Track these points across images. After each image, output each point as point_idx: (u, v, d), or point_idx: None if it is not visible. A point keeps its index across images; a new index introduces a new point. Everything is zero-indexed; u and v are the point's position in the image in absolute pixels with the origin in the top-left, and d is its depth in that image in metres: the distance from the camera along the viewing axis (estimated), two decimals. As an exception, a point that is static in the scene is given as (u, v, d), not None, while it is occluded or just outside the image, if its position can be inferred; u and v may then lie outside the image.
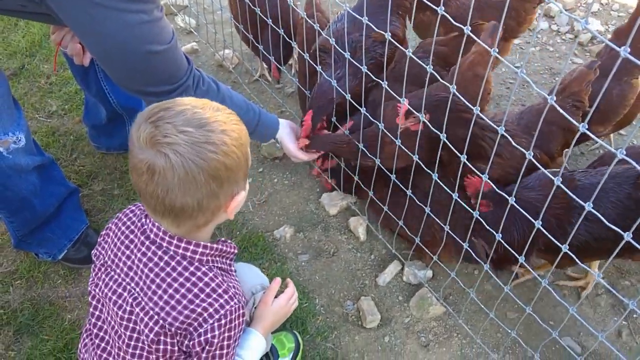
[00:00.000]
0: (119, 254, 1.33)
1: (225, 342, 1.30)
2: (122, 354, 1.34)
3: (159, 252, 1.28)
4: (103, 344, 1.39)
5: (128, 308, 1.29)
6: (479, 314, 2.14)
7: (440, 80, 1.51)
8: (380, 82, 1.75)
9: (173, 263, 1.27)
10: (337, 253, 2.36)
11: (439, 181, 1.77)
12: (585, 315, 2.14)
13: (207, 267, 1.30)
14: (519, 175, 1.41)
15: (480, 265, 1.88)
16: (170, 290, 1.26)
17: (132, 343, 1.30)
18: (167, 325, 1.25)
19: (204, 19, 3.26)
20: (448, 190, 1.73)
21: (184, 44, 3.38)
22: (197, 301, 1.26)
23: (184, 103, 1.20)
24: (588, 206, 1.17)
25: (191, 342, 1.27)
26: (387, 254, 2.35)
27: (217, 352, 1.29)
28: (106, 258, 1.36)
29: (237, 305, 1.29)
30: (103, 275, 1.35)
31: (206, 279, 1.28)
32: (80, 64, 2.06)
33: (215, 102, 1.24)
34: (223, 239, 1.40)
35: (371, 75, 1.82)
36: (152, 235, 1.29)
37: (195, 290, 1.26)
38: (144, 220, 1.32)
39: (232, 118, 1.24)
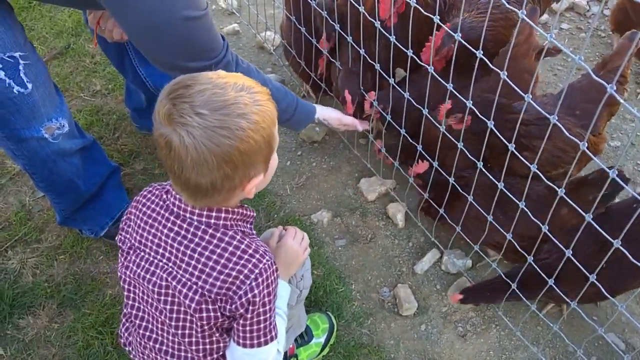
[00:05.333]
0: (145, 234, 1.34)
1: (266, 299, 1.30)
2: (165, 327, 1.37)
3: (185, 225, 1.29)
4: (144, 323, 1.41)
5: (163, 283, 1.31)
6: (518, 306, 2.09)
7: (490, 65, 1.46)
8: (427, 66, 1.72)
9: (200, 233, 1.28)
10: (374, 239, 2.34)
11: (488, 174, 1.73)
12: (631, 311, 2.07)
13: (232, 231, 1.30)
14: (567, 156, 1.38)
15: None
16: (203, 259, 1.27)
17: (174, 315, 1.32)
18: (206, 293, 1.27)
19: (246, 0, 3.25)
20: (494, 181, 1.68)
21: (225, 25, 3.38)
22: (231, 265, 1.27)
23: (206, 81, 1.16)
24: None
25: (234, 306, 1.27)
26: (425, 241, 2.32)
27: (261, 309, 1.30)
28: (133, 241, 1.37)
29: (269, 262, 1.30)
30: (133, 257, 1.37)
31: (235, 242, 1.28)
32: (119, 39, 2.05)
33: (242, 81, 1.20)
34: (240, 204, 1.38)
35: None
36: (175, 209, 1.30)
37: (227, 254, 1.27)
38: (165, 196, 1.34)
39: (258, 98, 1.19)
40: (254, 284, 1.26)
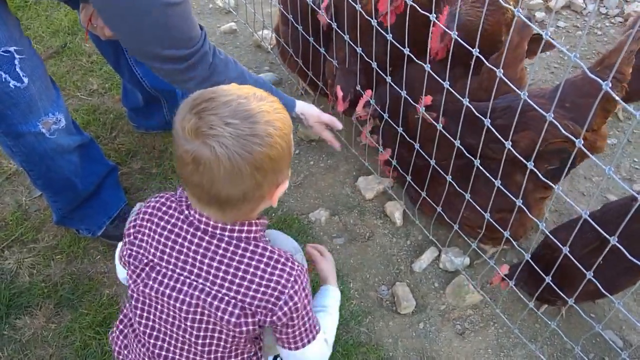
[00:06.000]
0: (167, 249, 1.31)
1: (305, 300, 1.33)
2: (186, 347, 1.36)
3: (214, 241, 1.28)
4: (159, 343, 1.38)
5: (194, 301, 1.29)
6: (516, 303, 2.09)
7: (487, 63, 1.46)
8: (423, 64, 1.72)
9: (232, 247, 1.28)
10: (372, 237, 2.34)
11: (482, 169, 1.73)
12: (628, 308, 2.08)
13: (262, 243, 1.32)
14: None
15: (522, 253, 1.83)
16: (240, 273, 1.27)
17: (202, 334, 1.32)
18: (247, 306, 1.28)
19: (243, -1, 3.25)
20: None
21: (222, 23, 3.37)
22: (267, 275, 1.28)
23: (228, 93, 1.19)
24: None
25: (275, 317, 1.29)
26: (423, 239, 2.32)
27: (303, 312, 1.34)
28: (150, 256, 1.33)
29: (299, 266, 1.32)
30: (153, 275, 1.32)
31: (267, 253, 1.30)
32: (110, 36, 2.03)
33: (258, 91, 1.23)
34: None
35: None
36: (201, 226, 1.28)
37: (262, 265, 1.29)
38: (187, 212, 1.30)
39: (276, 107, 1.23)
40: (292, 292, 1.29)
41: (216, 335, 1.33)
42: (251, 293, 1.27)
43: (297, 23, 2.41)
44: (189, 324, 1.32)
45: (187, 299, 1.29)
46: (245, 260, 1.28)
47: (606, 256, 1.47)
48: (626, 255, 1.36)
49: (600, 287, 1.51)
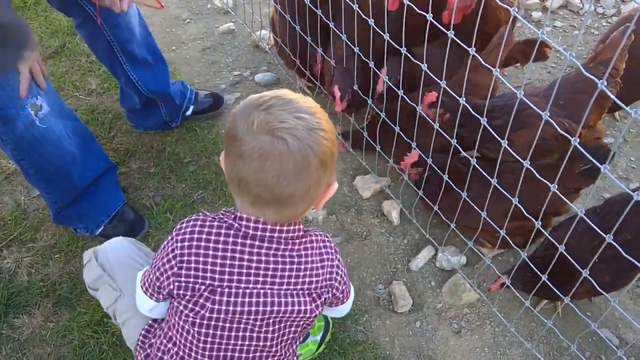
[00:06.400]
0: (227, 269, 1.29)
1: (342, 262, 1.46)
2: (265, 349, 1.41)
3: (273, 245, 1.30)
4: (229, 354, 1.39)
5: (267, 308, 1.32)
6: (513, 302, 2.10)
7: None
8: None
9: (289, 247, 1.31)
10: (369, 236, 2.34)
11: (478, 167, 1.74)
12: (624, 306, 2.08)
13: (305, 234, 1.38)
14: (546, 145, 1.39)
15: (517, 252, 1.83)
16: (302, 266, 1.33)
17: (278, 334, 1.38)
18: (313, 292, 1.36)
19: (241, -1, 3.26)
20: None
21: (220, 24, 3.38)
22: (320, 258, 1.37)
23: (289, 93, 1.24)
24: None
25: (334, 289, 1.40)
26: (420, 238, 2.33)
27: (344, 271, 1.46)
28: (208, 281, 1.29)
29: (327, 237, 1.44)
30: (217, 297, 1.30)
31: (313, 238, 1.38)
32: (119, 11, 2.03)
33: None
34: None
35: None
36: (257, 233, 1.28)
37: (315, 251, 1.36)
38: (236, 224, 1.29)
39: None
40: (337, 262, 1.41)
41: (291, 329, 1.41)
42: (314, 279, 1.35)
43: (295, 22, 2.41)
44: (264, 329, 1.36)
45: (261, 308, 1.32)
46: (302, 253, 1.34)
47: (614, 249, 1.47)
48: (635, 248, 1.37)
49: (608, 282, 1.52)
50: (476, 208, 1.85)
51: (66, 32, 3.22)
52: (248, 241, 1.29)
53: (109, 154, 2.58)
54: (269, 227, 1.28)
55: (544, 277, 1.68)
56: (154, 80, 2.45)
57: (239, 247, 1.29)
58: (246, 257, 1.29)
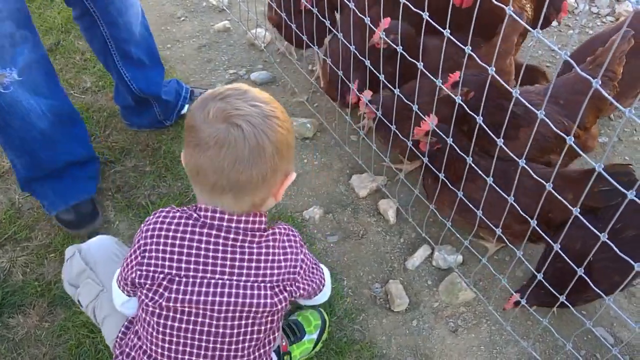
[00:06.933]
0: (184, 257, 1.31)
1: (309, 254, 1.48)
2: (224, 346, 1.38)
3: (231, 235, 1.31)
4: (188, 349, 1.38)
5: (225, 299, 1.32)
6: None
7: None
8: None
9: (249, 238, 1.33)
10: (366, 235, 2.34)
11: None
12: (619, 305, 2.10)
13: (269, 228, 1.41)
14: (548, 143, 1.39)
15: (512, 250, 1.84)
16: (262, 257, 1.34)
17: (237, 330, 1.37)
18: (275, 285, 1.36)
19: (236, -3, 3.25)
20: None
21: (215, 22, 3.36)
22: (283, 251, 1.38)
23: (246, 86, 1.29)
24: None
25: (298, 282, 1.41)
26: (416, 237, 2.33)
27: (311, 263, 1.49)
28: (167, 270, 1.31)
29: (290, 229, 1.44)
30: (174, 286, 1.31)
31: (276, 231, 1.39)
32: None
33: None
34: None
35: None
36: (215, 223, 1.31)
37: (278, 244, 1.37)
38: (195, 214, 1.33)
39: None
40: (301, 256, 1.42)
41: (254, 328, 1.39)
42: (276, 272, 1.35)
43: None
44: (222, 322, 1.35)
45: (218, 298, 1.32)
46: (264, 245, 1.34)
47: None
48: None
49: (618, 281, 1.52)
50: (472, 206, 1.86)
51: (60, 29, 3.20)
52: (206, 230, 1.31)
53: (104, 153, 2.57)
54: (226, 216, 1.30)
55: (562, 298, 1.65)
56: (146, 82, 2.44)
57: (196, 237, 1.31)
58: (203, 246, 1.31)
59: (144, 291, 1.35)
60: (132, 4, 2.20)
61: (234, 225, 1.31)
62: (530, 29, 1.30)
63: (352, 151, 2.60)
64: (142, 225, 1.38)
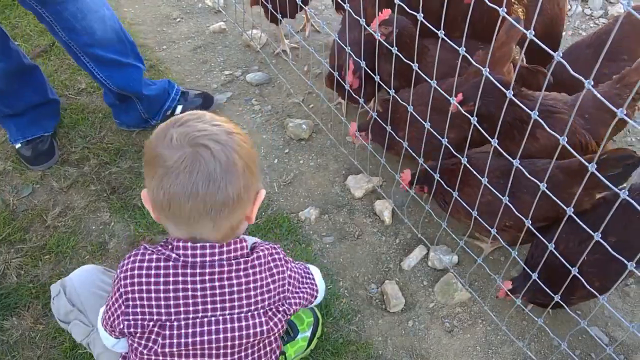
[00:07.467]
0: (172, 302, 1.26)
1: (293, 264, 1.46)
2: None
3: (216, 269, 1.27)
4: None
5: (221, 335, 1.29)
6: (504, 301, 2.11)
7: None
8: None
9: (234, 267, 1.29)
10: (361, 236, 2.35)
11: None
12: (613, 305, 2.10)
13: (253, 251, 1.36)
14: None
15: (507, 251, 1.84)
16: (251, 285, 1.31)
17: (237, 357, 1.35)
18: (267, 309, 1.33)
19: (232, -2, 3.25)
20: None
21: (211, 23, 3.36)
22: (269, 273, 1.35)
23: (201, 111, 1.27)
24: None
25: (290, 299, 1.39)
26: (412, 238, 2.33)
27: (299, 274, 1.47)
28: (155, 317, 1.27)
29: (273, 247, 1.41)
30: (167, 332, 1.28)
31: (260, 254, 1.35)
32: None
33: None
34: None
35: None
36: (198, 261, 1.26)
37: (264, 267, 1.34)
38: (174, 255, 1.26)
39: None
40: (288, 272, 1.39)
41: (255, 355, 1.37)
42: (266, 296, 1.32)
43: None
44: (221, 359, 1.32)
45: (214, 336, 1.29)
46: (250, 272, 1.31)
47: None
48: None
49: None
50: (465, 206, 1.87)
51: (55, 30, 3.19)
52: (189, 271, 1.25)
53: (100, 154, 2.57)
54: (207, 251, 1.25)
55: (557, 297, 1.66)
56: (123, 79, 2.45)
57: (180, 278, 1.26)
58: (189, 287, 1.26)
59: (136, 339, 1.30)
60: (93, 10, 2.21)
61: (217, 257, 1.26)
62: (524, 31, 1.31)
63: (348, 152, 2.60)
64: (119, 270, 1.30)
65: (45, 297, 2.08)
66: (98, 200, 2.42)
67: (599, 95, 1.20)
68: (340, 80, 2.39)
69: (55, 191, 2.45)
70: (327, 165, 2.62)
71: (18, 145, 2.53)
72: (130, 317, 1.27)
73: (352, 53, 2.11)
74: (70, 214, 2.36)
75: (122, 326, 1.29)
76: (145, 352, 1.30)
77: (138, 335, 1.29)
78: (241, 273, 1.29)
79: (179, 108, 2.71)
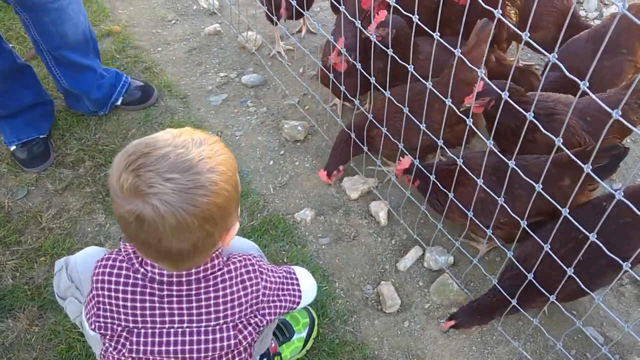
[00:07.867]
0: (138, 311, 1.26)
1: (272, 274, 1.39)
2: None
3: (184, 287, 1.26)
4: None
5: (187, 347, 1.28)
6: (500, 301, 2.12)
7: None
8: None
9: (202, 284, 1.27)
10: (357, 237, 2.35)
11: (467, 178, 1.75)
12: (609, 305, 2.11)
13: (225, 266, 1.32)
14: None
15: (503, 251, 1.85)
16: (220, 299, 1.28)
17: None
18: (237, 322, 1.31)
19: (228, 0, 3.25)
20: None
21: (206, 25, 3.37)
22: (242, 286, 1.31)
23: (165, 143, 1.11)
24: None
25: (264, 309, 1.34)
26: (408, 239, 2.34)
27: (279, 282, 1.41)
28: (123, 323, 1.28)
29: (255, 257, 1.37)
30: (134, 338, 1.28)
31: (232, 267, 1.31)
32: None
33: (196, 135, 1.15)
34: None
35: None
36: (164, 279, 1.25)
37: (235, 281, 1.30)
38: (142, 269, 1.25)
39: (217, 148, 1.16)
40: (263, 283, 1.34)
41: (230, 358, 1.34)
42: (237, 310, 1.29)
43: None
44: None
45: (180, 347, 1.27)
46: (220, 287, 1.28)
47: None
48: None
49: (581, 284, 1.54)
50: (459, 206, 1.87)
51: (50, 32, 3.18)
52: (156, 285, 1.24)
53: (95, 156, 2.57)
54: (174, 278, 1.23)
55: (553, 297, 1.68)
56: (75, 82, 2.58)
57: (148, 290, 1.25)
58: (157, 299, 1.25)
59: (107, 340, 1.31)
60: (71, 17, 2.32)
61: (184, 279, 1.25)
62: (519, 31, 1.31)
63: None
64: (92, 274, 1.30)
65: (41, 299, 2.08)
66: (93, 202, 2.41)
67: (593, 97, 1.21)
68: (334, 81, 2.39)
69: (50, 193, 2.45)
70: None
71: (13, 148, 2.55)
72: (101, 320, 1.29)
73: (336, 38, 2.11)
74: (65, 215, 2.35)
75: (93, 327, 1.30)
76: (114, 353, 1.31)
77: (108, 337, 1.30)
78: (210, 289, 1.27)
79: (120, 100, 2.78)
